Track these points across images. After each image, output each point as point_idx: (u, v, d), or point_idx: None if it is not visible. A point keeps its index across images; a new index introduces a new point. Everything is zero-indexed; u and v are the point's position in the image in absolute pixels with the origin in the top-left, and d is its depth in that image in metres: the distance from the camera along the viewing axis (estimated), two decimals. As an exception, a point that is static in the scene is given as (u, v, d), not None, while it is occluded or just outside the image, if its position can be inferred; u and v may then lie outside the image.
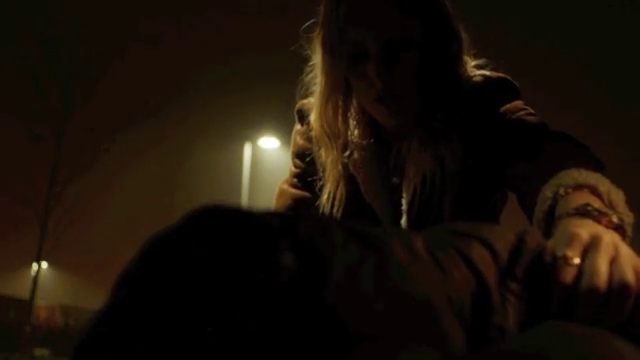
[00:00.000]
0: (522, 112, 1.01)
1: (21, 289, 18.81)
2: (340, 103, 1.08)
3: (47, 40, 15.73)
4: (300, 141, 1.21)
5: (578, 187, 0.71)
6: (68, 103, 16.04)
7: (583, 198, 0.68)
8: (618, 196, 0.70)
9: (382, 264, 0.37)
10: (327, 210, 1.11)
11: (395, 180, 1.10)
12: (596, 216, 0.63)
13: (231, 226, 0.34)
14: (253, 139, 13.30)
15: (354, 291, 0.34)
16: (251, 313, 0.31)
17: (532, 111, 1.02)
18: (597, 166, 0.80)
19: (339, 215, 1.10)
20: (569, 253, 0.53)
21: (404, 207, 1.07)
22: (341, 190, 1.11)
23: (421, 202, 1.05)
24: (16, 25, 15.67)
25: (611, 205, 0.68)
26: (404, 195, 1.07)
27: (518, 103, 1.03)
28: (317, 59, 1.08)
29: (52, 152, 15.84)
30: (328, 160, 1.11)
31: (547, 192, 0.73)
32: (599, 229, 0.60)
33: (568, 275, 0.52)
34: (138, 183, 19.69)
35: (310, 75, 1.12)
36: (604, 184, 0.71)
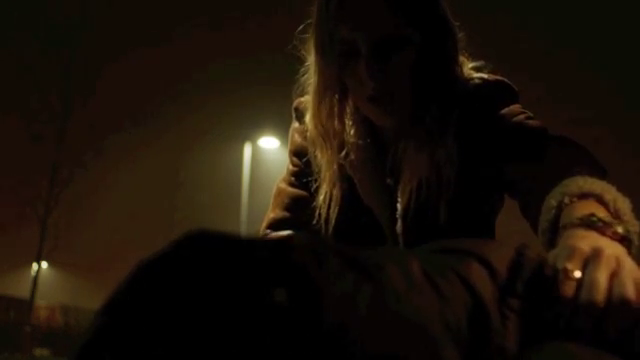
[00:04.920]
0: (521, 116, 0.99)
1: (21, 289, 18.81)
2: (335, 103, 1.06)
3: (47, 40, 15.73)
4: (298, 139, 1.19)
5: (583, 196, 0.70)
6: (68, 103, 16.04)
7: (588, 207, 0.66)
8: (624, 204, 0.69)
9: (378, 291, 0.36)
10: (324, 212, 1.09)
11: (389, 182, 1.08)
12: (600, 227, 0.62)
13: (220, 258, 0.33)
14: (253, 139, 13.30)
15: (351, 320, 0.33)
16: (241, 349, 0.31)
17: (531, 115, 1.00)
18: (600, 172, 0.79)
19: (336, 216, 1.08)
20: (569, 266, 0.53)
21: (399, 212, 1.06)
22: (337, 191, 1.09)
23: (417, 206, 1.03)
24: (16, 25, 15.66)
25: (617, 214, 0.67)
26: (399, 199, 1.05)
27: (516, 107, 1.02)
28: (311, 59, 1.07)
29: (52, 152, 15.84)
30: (324, 161, 1.09)
31: (552, 201, 0.72)
32: (602, 241, 0.59)
33: (568, 288, 0.51)
34: (138, 183, 19.69)
35: (305, 75, 1.11)
36: (610, 192, 0.69)
